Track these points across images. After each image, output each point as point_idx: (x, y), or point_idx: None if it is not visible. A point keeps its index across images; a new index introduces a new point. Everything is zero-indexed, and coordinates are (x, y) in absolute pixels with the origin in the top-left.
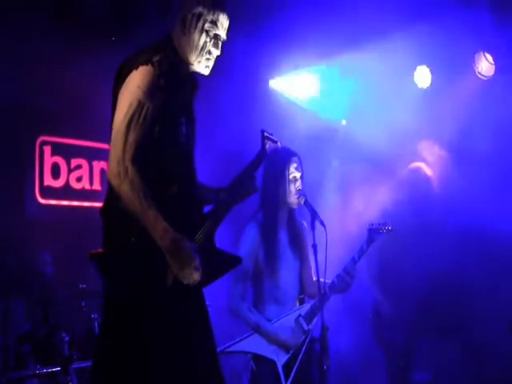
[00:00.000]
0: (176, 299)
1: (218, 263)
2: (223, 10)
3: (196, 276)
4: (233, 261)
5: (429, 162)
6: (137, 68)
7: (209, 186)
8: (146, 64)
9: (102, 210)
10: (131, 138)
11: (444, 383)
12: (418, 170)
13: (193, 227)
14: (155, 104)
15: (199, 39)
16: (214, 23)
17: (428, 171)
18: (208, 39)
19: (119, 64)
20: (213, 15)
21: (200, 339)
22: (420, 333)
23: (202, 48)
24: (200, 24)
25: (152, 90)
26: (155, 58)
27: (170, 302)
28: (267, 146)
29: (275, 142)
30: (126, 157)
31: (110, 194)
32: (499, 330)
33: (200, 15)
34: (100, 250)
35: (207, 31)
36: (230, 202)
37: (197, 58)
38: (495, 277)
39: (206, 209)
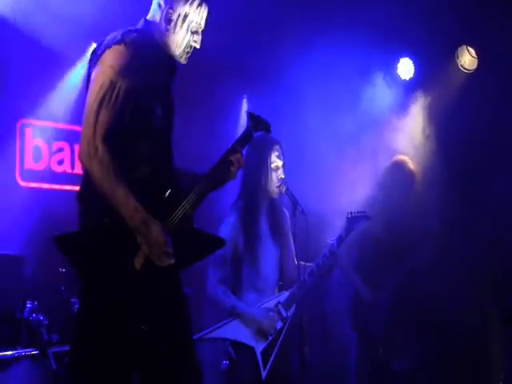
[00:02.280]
0: (147, 282)
1: (199, 245)
2: (207, 6)
3: (167, 257)
4: (215, 243)
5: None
6: (110, 47)
7: (189, 171)
8: (119, 44)
9: (77, 194)
10: (102, 117)
11: (421, 373)
12: (401, 163)
13: (167, 208)
14: (128, 84)
15: (184, 38)
16: (200, 22)
17: (411, 165)
18: (192, 37)
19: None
20: (199, 14)
21: (174, 324)
22: (398, 321)
23: (186, 46)
24: (186, 24)
25: (124, 70)
26: (128, 38)
27: (141, 285)
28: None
29: (263, 123)
30: (96, 136)
31: (85, 179)
32: (478, 321)
33: (186, 16)
34: (66, 232)
35: (193, 32)
36: (211, 183)
37: (179, 54)
38: (477, 267)
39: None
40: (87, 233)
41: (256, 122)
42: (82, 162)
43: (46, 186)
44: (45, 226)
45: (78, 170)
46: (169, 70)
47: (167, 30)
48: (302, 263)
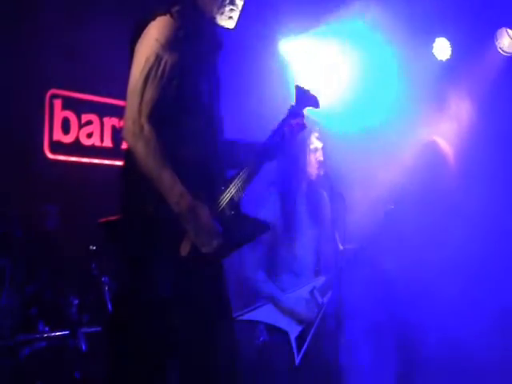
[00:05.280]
0: (193, 270)
1: (244, 230)
2: None
3: (215, 244)
4: (260, 228)
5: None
6: (154, 19)
7: (247, 143)
8: (165, 15)
9: (120, 174)
10: (148, 95)
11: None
12: (431, 145)
13: (215, 191)
14: (174, 58)
15: None
16: None
17: (444, 146)
18: None
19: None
20: None
21: (218, 311)
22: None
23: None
24: None
25: (171, 43)
26: (174, 9)
27: (187, 273)
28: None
29: (312, 97)
30: (141, 115)
31: (128, 158)
32: None
33: None
34: (110, 218)
35: None
36: (256, 165)
37: (219, 10)
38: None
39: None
40: (131, 219)
41: (304, 98)
42: (126, 142)
43: (74, 158)
44: (72, 201)
45: (107, 143)
46: (215, 41)
47: None
48: (340, 247)
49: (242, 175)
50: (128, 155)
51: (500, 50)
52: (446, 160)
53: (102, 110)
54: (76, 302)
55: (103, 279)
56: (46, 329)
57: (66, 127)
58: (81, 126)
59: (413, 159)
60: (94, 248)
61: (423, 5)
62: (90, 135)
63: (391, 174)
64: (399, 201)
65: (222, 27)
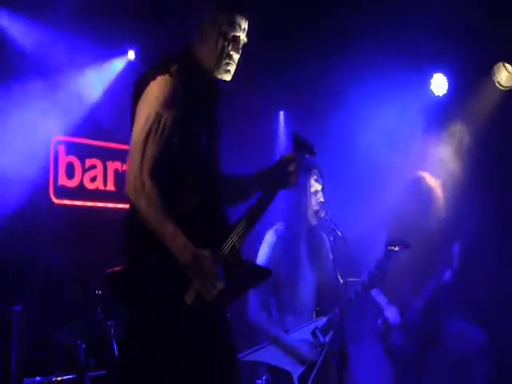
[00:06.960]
0: (198, 318)
1: (246, 277)
2: (240, 11)
3: (219, 291)
4: (262, 273)
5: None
6: (154, 79)
7: (245, 177)
8: (164, 74)
9: (123, 226)
10: (149, 151)
11: None
12: (418, 180)
13: (216, 240)
14: (174, 115)
15: (217, 43)
16: (231, 25)
17: (432, 181)
18: (226, 43)
19: (137, 77)
20: (229, 17)
21: (222, 359)
22: (431, 340)
23: (221, 52)
24: (216, 27)
25: (170, 101)
26: (173, 68)
27: (193, 321)
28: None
29: (308, 147)
30: (143, 171)
31: (131, 211)
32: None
33: (216, 19)
34: (115, 269)
35: (224, 34)
36: (256, 214)
37: (217, 64)
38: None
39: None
40: (136, 270)
41: (301, 146)
42: (129, 197)
43: (78, 202)
44: (78, 244)
45: (111, 187)
46: (213, 94)
47: (201, 40)
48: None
49: (243, 222)
50: (131, 207)
51: (498, 85)
52: (432, 195)
53: (105, 155)
54: (83, 345)
55: (109, 322)
56: (55, 373)
57: (70, 172)
58: (84, 171)
59: (401, 196)
60: (100, 292)
61: (419, 40)
62: (93, 179)
63: (381, 212)
64: (401, 241)
65: (220, 79)
